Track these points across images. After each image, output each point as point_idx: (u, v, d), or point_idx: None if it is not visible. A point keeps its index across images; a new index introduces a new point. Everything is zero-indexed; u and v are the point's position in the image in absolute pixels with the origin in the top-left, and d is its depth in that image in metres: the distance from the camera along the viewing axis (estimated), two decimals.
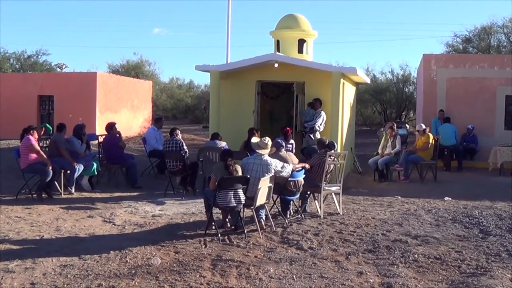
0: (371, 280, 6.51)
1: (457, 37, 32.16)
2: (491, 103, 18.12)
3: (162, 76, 53.35)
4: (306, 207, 10.40)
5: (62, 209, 10.37)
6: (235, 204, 8.47)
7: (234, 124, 14.40)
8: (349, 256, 7.50)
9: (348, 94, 15.49)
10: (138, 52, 51.04)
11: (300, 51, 15.93)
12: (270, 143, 9.24)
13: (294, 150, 11.98)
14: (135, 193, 12.26)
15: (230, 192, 8.38)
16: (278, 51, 15.89)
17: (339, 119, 13.77)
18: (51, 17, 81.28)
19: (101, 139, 13.69)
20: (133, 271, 6.74)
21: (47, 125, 16.46)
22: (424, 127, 15.19)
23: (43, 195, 11.37)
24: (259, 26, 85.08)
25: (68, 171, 11.99)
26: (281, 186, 9.30)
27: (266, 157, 9.00)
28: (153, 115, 29.59)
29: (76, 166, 11.88)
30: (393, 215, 10.18)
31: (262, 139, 9.33)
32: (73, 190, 12.01)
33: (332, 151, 10.30)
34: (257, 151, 9.08)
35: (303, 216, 9.88)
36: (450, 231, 8.91)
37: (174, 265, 7.03)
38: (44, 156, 11.46)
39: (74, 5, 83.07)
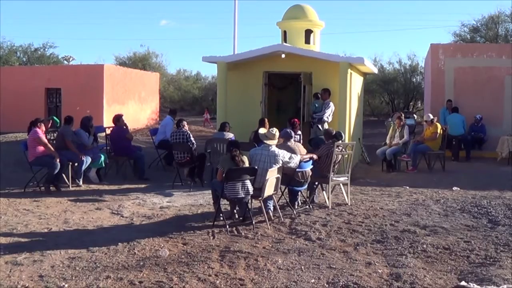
0: (379, 271, 6.49)
1: (464, 27, 31.95)
2: (499, 92, 17.99)
3: (169, 68, 53.29)
4: (314, 198, 10.38)
5: (70, 202, 10.40)
6: (243, 195, 8.46)
7: (241, 115, 14.38)
8: (358, 247, 7.48)
9: (355, 85, 15.43)
10: (145, 44, 51.21)
11: (307, 41, 15.87)
12: (277, 134, 9.22)
13: (301, 141, 11.95)
14: (143, 185, 12.27)
15: (238, 184, 8.37)
16: (285, 41, 15.82)
17: (346, 110, 13.72)
18: (58, 9, 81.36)
19: (108, 131, 13.71)
20: (141, 263, 6.74)
21: (55, 117, 16.51)
22: (432, 117, 15.13)
23: (51, 188, 11.38)
24: (266, 17, 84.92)
25: (76, 164, 12.00)
26: (289, 177, 9.28)
27: (274, 148, 8.98)
28: (161, 107, 29.61)
29: (83, 159, 11.89)
30: (401, 205, 10.16)
31: (270, 129, 9.31)
32: (81, 183, 12.03)
33: (340, 141, 10.27)
34: (264, 141, 9.06)
35: (311, 207, 9.87)
36: (458, 221, 8.88)
37: (182, 256, 7.03)
38: (52, 148, 11.46)
39: None
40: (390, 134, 15.10)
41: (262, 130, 10.05)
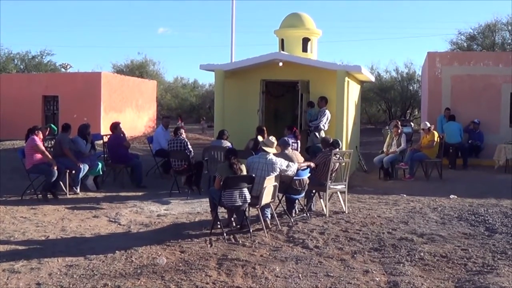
0: (377, 279, 6.49)
1: (461, 35, 32.15)
2: (496, 100, 18.08)
3: (166, 75, 53.50)
4: (312, 206, 10.38)
5: (68, 209, 10.38)
6: (240, 203, 8.45)
7: (239, 123, 14.39)
8: (355, 255, 7.48)
9: (352, 93, 15.45)
10: (143, 52, 51.18)
11: (305, 49, 15.93)
12: (275, 142, 9.23)
13: (299, 149, 11.97)
14: (140, 193, 12.26)
15: (236, 192, 8.36)
16: (283, 50, 15.87)
17: (344, 118, 13.73)
18: (56, 17, 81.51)
19: (105, 139, 13.70)
20: (138, 271, 6.73)
21: (52, 125, 16.54)
22: (429, 125, 15.17)
23: (48, 196, 11.37)
24: (263, 25, 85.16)
25: (73, 171, 11.99)
26: (286, 185, 9.28)
27: (271, 156, 8.98)
28: (158, 114, 29.61)
29: (81, 166, 11.88)
30: (398, 213, 10.17)
31: (268, 137, 9.33)
32: (78, 190, 12.01)
33: (337, 149, 10.29)
34: (263, 148, 9.08)
35: (308, 215, 9.87)
36: (456, 229, 8.89)
37: (180, 264, 7.02)
38: (49, 156, 11.45)
39: (78, 5, 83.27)
40: (388, 142, 15.13)
41: (260, 138, 10.06)
